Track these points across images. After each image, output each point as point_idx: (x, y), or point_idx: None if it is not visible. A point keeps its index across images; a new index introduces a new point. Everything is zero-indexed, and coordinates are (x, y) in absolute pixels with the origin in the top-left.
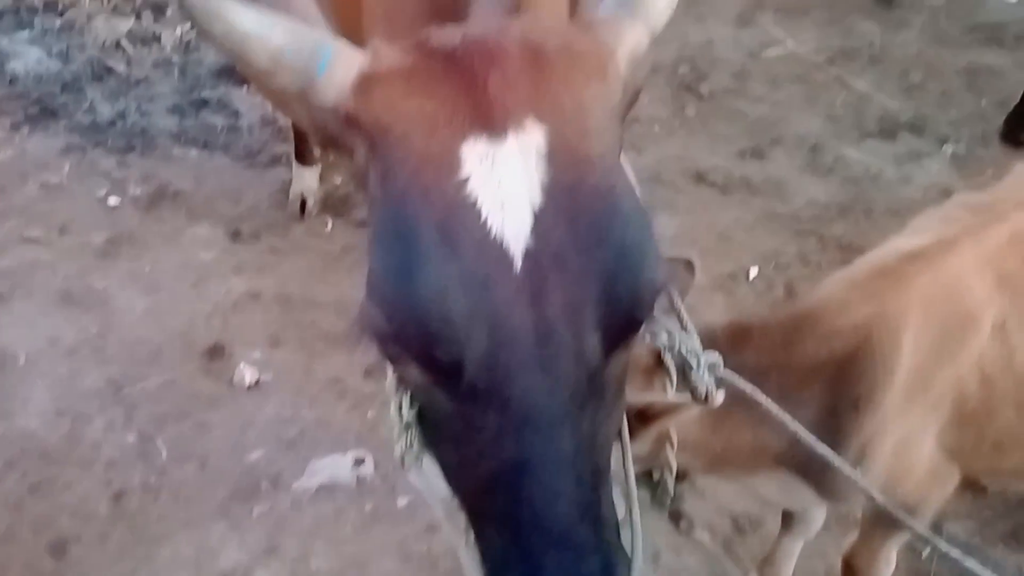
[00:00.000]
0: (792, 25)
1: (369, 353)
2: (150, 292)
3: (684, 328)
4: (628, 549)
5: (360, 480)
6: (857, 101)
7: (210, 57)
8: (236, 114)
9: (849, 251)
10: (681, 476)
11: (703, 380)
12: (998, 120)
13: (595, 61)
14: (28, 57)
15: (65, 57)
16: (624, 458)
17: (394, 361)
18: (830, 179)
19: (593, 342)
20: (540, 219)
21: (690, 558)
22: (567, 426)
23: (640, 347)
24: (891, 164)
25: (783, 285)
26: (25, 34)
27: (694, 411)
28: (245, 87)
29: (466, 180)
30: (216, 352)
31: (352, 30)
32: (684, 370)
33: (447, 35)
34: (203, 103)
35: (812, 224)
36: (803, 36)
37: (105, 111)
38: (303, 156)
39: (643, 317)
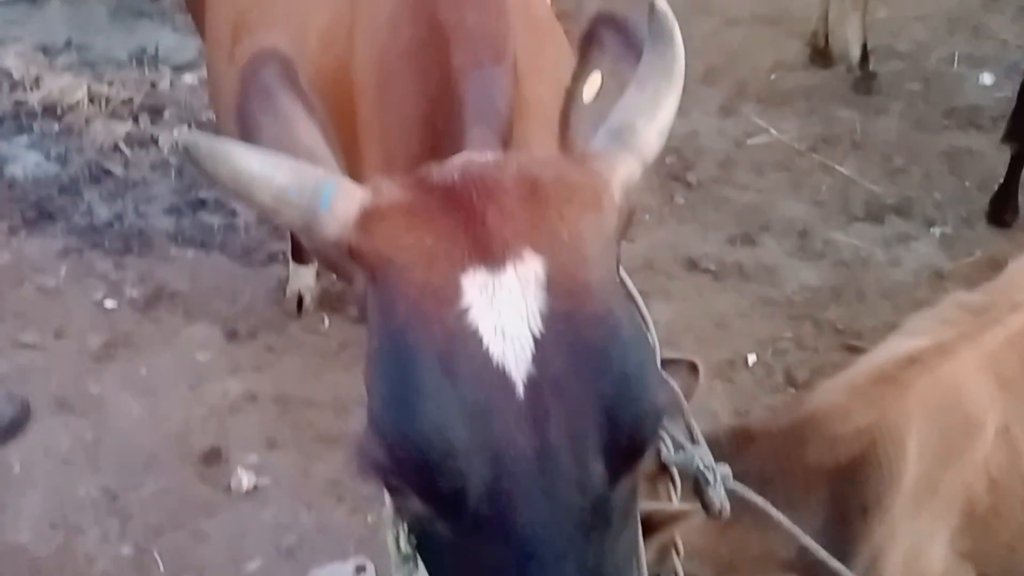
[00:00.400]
0: (774, 114)
1: (368, 485)
2: (146, 395)
3: (694, 439)
4: None
5: None
6: (842, 186)
7: None
8: (232, 213)
9: (845, 335)
10: None
11: (719, 495)
12: (982, 201)
13: (590, 192)
14: (27, 161)
15: (63, 160)
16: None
17: (394, 492)
18: (821, 263)
19: (598, 470)
20: (541, 347)
21: None
22: (573, 557)
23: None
24: (880, 247)
25: (782, 371)
26: (24, 138)
27: (700, 518)
28: None
29: (466, 310)
30: (212, 457)
31: (351, 162)
32: (696, 482)
33: (445, 171)
34: (200, 203)
35: (806, 309)
36: (785, 125)
37: (102, 213)
38: (299, 254)
39: (648, 442)
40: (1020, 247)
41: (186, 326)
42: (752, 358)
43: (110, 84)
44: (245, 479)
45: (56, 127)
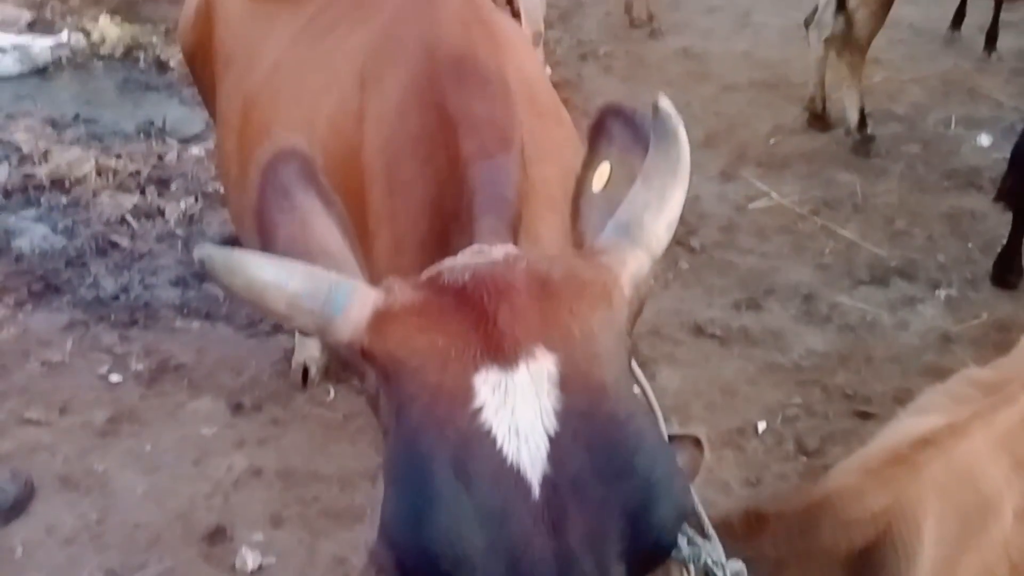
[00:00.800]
0: (774, 178)
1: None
2: (150, 472)
3: (705, 535)
4: None
5: None
6: (845, 249)
7: (213, 228)
8: None
9: (854, 400)
10: None
11: None
12: (986, 263)
13: (600, 288)
14: (34, 234)
15: (70, 233)
16: None
17: None
18: (827, 327)
19: (618, 573)
20: (555, 446)
21: None
22: None
23: None
24: (886, 310)
25: (793, 439)
26: (32, 212)
27: None
28: None
29: (479, 410)
30: (217, 535)
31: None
32: None
33: (456, 269)
34: (206, 274)
35: (814, 374)
36: (786, 188)
37: (108, 286)
38: None
39: (669, 545)
40: None
41: (191, 399)
42: (762, 425)
43: (118, 157)
44: (250, 559)
45: (63, 200)
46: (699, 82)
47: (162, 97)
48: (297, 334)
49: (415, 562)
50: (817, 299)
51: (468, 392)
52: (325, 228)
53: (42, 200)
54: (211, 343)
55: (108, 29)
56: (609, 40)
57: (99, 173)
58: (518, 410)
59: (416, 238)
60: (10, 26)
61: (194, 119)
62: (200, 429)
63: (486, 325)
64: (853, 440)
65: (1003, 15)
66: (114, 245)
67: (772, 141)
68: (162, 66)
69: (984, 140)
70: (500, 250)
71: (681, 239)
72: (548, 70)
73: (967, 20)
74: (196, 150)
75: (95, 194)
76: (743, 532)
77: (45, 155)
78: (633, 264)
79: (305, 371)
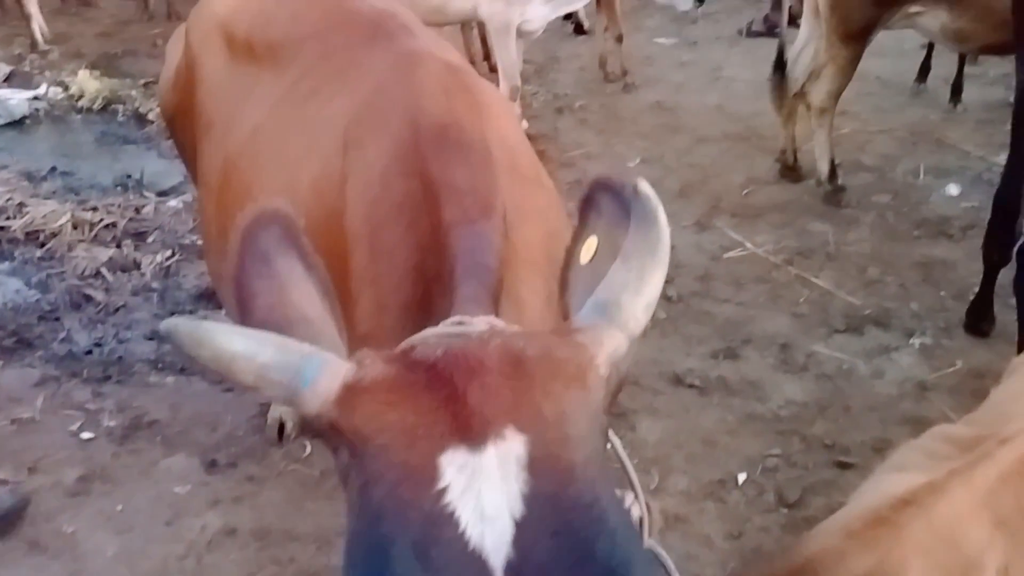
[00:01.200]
0: (748, 228)
1: None
2: (122, 532)
3: None
4: None
5: None
6: (820, 298)
7: (190, 281)
8: None
9: (833, 451)
10: None
11: None
12: (959, 310)
13: (575, 369)
14: (7, 288)
15: (44, 287)
16: None
17: None
18: (804, 376)
19: None
20: (521, 530)
21: None
22: None
23: None
24: (862, 359)
25: (773, 490)
26: (5, 266)
27: None
28: (223, 310)
29: (444, 491)
30: None
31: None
32: None
33: (430, 345)
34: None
35: (793, 424)
36: (760, 238)
37: (82, 340)
38: None
39: None
40: (1000, 356)
41: (164, 457)
42: (742, 477)
43: (94, 210)
44: None
45: (38, 253)
46: (672, 134)
47: (140, 150)
48: None
49: None
50: (794, 348)
51: (434, 472)
52: (305, 294)
53: (15, 254)
54: (185, 398)
55: (87, 83)
56: (584, 94)
57: (75, 226)
58: (484, 493)
59: (399, 301)
60: None
61: (172, 172)
62: (173, 487)
63: (456, 403)
64: (833, 491)
65: (967, 68)
66: (88, 299)
67: (745, 192)
68: (141, 119)
69: (953, 189)
70: (480, 321)
71: None
72: (525, 123)
73: (932, 73)
74: (174, 202)
75: (70, 247)
76: None
77: (20, 208)
78: (610, 344)
79: (281, 426)
